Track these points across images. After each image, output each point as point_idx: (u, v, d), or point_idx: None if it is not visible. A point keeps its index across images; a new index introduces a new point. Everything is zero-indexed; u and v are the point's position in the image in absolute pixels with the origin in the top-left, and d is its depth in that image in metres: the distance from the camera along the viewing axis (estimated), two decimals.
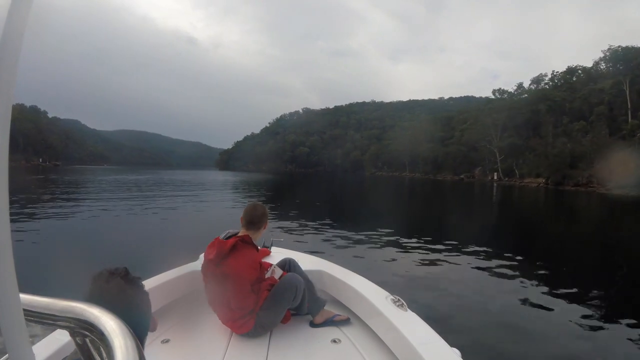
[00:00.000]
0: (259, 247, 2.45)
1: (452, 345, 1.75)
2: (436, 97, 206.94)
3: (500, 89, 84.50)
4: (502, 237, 11.66)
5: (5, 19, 0.41)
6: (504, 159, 66.35)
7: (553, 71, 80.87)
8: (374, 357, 2.04)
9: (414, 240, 9.56)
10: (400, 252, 8.27)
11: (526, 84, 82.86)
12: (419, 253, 8.12)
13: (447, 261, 7.46)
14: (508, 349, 3.86)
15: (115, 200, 17.98)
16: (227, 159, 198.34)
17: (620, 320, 4.63)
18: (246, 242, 2.26)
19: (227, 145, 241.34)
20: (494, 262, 7.43)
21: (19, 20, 0.42)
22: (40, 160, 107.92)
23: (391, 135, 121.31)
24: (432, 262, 7.40)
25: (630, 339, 4.09)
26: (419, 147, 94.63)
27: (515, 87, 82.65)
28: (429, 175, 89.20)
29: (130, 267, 1.05)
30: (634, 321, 4.55)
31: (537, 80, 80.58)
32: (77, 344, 0.65)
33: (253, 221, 2.36)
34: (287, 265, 2.62)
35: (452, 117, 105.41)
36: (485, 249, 8.68)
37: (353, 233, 10.12)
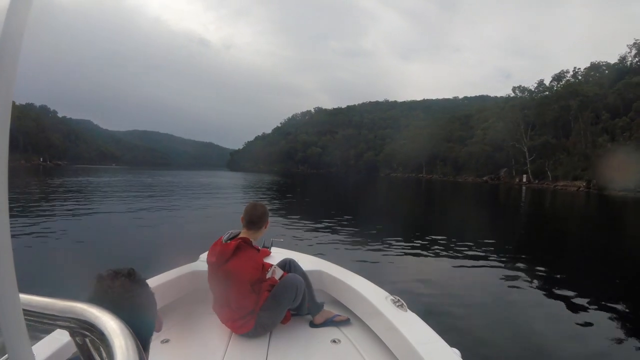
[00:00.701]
0: (259, 247, 2.46)
1: (452, 345, 1.75)
2: (450, 97, 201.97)
3: (520, 86, 79.24)
4: (527, 243, 11.00)
5: (5, 19, 0.41)
6: (533, 159, 61.25)
7: (575, 67, 76.95)
8: (374, 357, 2.04)
9: (417, 241, 9.46)
10: (402, 252, 8.11)
11: (544, 82, 77.88)
12: (421, 254, 8.08)
13: (448, 261, 7.43)
14: (508, 349, 3.83)
15: (115, 201, 17.59)
16: (237, 160, 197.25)
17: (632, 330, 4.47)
18: (247, 243, 2.25)
19: (239, 145, 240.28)
20: (501, 264, 7.41)
21: (18, 20, 0.42)
22: (41, 160, 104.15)
23: (406, 135, 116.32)
24: (433, 263, 7.39)
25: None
26: (437, 147, 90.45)
27: (535, 84, 77.27)
28: (449, 177, 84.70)
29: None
30: None
31: (558, 77, 75.82)
32: (77, 344, 0.65)
33: (253, 220, 2.32)
34: (287, 266, 2.58)
35: (471, 115, 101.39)
36: (497, 253, 8.48)
37: (355, 234, 10.12)
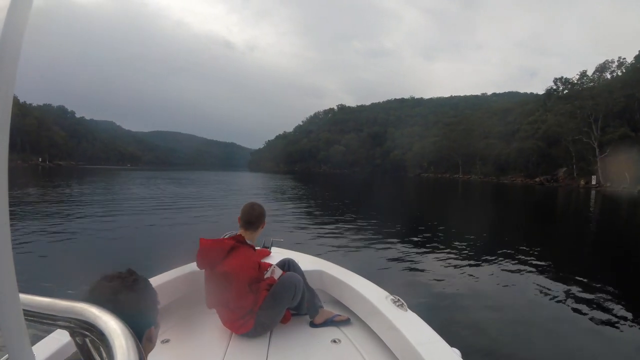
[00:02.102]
0: (259, 247, 2.44)
1: (452, 345, 1.75)
2: (478, 93, 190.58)
3: (562, 77, 70.09)
4: (575, 253, 9.08)
5: (5, 19, 0.41)
6: (604, 157, 50.84)
7: (619, 57, 66.57)
8: (374, 357, 2.04)
9: (418, 241, 9.20)
10: (402, 252, 7.80)
11: (586, 73, 67.22)
12: (422, 254, 7.82)
13: (449, 262, 7.19)
14: (508, 349, 3.77)
15: (115, 202, 17.36)
16: (258, 160, 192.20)
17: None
18: (241, 241, 2.24)
19: (260, 146, 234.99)
20: (505, 265, 7.04)
21: (18, 20, 0.42)
22: (40, 160, 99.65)
23: (436, 132, 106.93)
24: (434, 263, 7.16)
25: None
26: (474, 144, 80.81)
27: (577, 76, 66.83)
28: (490, 178, 74.76)
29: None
30: None
31: (602, 67, 65.72)
32: (77, 344, 0.64)
33: (251, 221, 2.35)
34: (287, 266, 2.57)
35: (511, 109, 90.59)
36: (503, 252, 7.90)
37: (356, 234, 9.87)
